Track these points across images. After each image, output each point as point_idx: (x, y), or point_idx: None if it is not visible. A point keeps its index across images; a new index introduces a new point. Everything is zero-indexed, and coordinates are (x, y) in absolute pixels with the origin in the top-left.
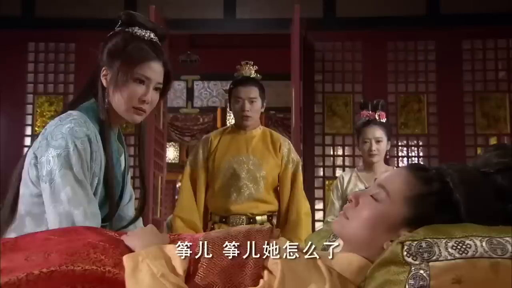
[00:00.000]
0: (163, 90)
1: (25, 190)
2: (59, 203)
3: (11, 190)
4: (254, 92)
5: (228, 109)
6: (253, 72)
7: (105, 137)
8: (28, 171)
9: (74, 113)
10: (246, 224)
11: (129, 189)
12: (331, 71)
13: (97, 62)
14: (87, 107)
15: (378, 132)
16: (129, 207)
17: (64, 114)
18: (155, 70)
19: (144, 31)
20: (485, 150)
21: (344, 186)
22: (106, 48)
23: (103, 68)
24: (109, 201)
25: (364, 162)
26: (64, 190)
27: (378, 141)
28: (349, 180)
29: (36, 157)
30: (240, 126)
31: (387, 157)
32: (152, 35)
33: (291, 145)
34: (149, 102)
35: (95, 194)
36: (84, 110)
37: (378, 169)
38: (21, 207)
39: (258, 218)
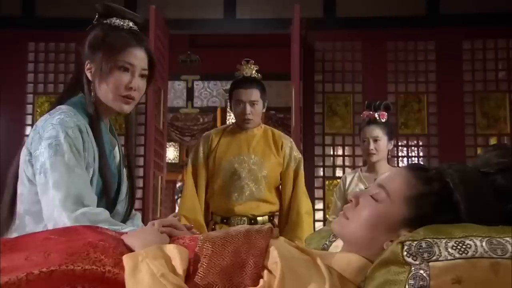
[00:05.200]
0: (149, 77)
1: (23, 189)
2: (49, 189)
3: (7, 190)
4: (255, 94)
5: (228, 109)
6: (254, 71)
7: (95, 129)
8: (23, 169)
9: (63, 107)
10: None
11: (125, 184)
12: (331, 71)
13: (80, 58)
14: (76, 101)
15: (376, 131)
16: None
17: (53, 109)
18: (138, 57)
19: (122, 21)
20: (485, 150)
21: (347, 186)
22: (87, 42)
23: (87, 62)
24: (106, 194)
25: (367, 163)
26: (51, 176)
27: (376, 140)
28: (352, 180)
29: (30, 153)
30: (241, 127)
31: (389, 157)
32: (131, 24)
33: (293, 143)
34: (136, 89)
35: (91, 183)
36: (72, 104)
37: (381, 170)
38: (20, 206)
39: (259, 219)
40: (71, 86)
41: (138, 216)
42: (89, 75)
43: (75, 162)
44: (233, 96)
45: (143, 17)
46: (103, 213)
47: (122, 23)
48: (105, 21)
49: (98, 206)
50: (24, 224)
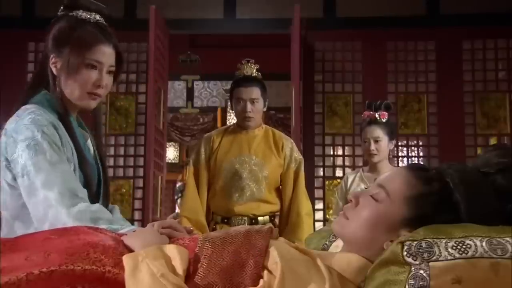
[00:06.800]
0: (116, 73)
1: (5, 196)
2: (37, 190)
3: None
4: (255, 92)
5: (228, 109)
6: (255, 70)
7: (67, 124)
8: (2, 176)
9: (28, 106)
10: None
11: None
12: (331, 71)
13: (44, 51)
14: (40, 99)
15: (377, 132)
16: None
17: (19, 110)
18: (106, 54)
19: (88, 13)
20: (485, 150)
21: (348, 186)
22: (51, 35)
23: (51, 56)
24: (89, 188)
25: (368, 163)
26: (38, 177)
27: (376, 141)
28: (353, 180)
29: (6, 159)
30: (242, 126)
31: (390, 157)
32: (98, 17)
33: (294, 144)
34: (104, 86)
35: None
36: (37, 103)
37: (383, 170)
38: (7, 213)
39: (260, 219)
40: (34, 83)
41: (116, 209)
42: (54, 69)
43: (58, 158)
44: (233, 95)
45: (144, 15)
46: (102, 210)
47: (88, 16)
48: (70, 14)
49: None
50: (14, 230)
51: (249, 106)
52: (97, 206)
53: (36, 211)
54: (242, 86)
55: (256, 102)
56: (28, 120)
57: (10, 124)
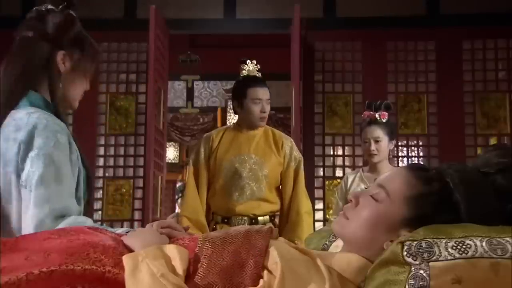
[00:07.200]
0: None
1: (10, 208)
2: (30, 205)
3: None
4: (268, 93)
5: (228, 109)
6: (256, 71)
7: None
8: (12, 189)
9: (31, 109)
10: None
11: None
12: (331, 71)
13: (40, 44)
14: (33, 102)
15: (377, 132)
16: None
17: (21, 114)
18: None
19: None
20: (485, 150)
21: (348, 186)
22: (62, 30)
23: (62, 52)
24: (89, 188)
25: (368, 163)
26: (36, 191)
27: (377, 141)
28: (353, 180)
29: (15, 169)
30: (253, 126)
31: (390, 157)
32: None
33: (293, 142)
34: None
35: (78, 183)
36: (35, 105)
37: (383, 170)
38: (10, 226)
39: (260, 218)
40: (25, 82)
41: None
42: (61, 67)
43: (65, 171)
44: (248, 95)
45: (144, 15)
46: (88, 221)
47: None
48: (70, 11)
49: (84, 201)
50: None
51: (266, 106)
52: (83, 218)
53: (25, 228)
54: (257, 86)
55: (269, 102)
56: (41, 126)
57: (17, 132)
